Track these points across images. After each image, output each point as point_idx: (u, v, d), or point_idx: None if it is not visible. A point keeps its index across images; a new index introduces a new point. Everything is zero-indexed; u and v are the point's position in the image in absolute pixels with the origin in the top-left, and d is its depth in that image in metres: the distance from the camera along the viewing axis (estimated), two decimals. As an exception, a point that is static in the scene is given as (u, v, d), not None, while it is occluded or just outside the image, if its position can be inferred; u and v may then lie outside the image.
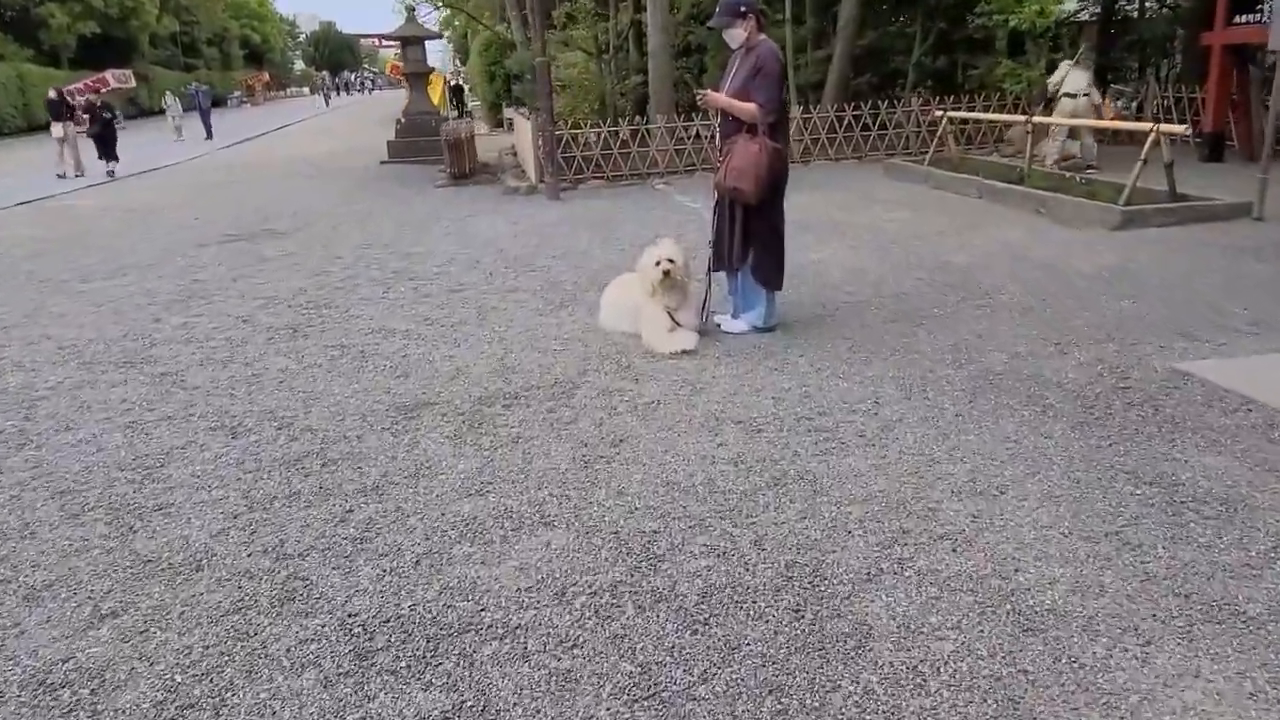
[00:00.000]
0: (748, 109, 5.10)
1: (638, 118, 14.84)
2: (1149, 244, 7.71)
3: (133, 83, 34.68)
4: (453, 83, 32.24)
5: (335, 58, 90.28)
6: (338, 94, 68.89)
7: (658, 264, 5.36)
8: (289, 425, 4.40)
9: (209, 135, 27.20)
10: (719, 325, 5.76)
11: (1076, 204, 9.03)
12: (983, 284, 6.57)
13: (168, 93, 29.54)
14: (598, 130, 13.59)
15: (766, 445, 3.93)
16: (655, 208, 11.09)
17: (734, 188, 5.13)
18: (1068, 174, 10.99)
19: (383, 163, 18.30)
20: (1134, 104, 15.50)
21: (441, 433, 4.22)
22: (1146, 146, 8.73)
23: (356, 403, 4.69)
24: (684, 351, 5.25)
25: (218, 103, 50.49)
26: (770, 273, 5.46)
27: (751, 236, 5.39)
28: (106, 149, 17.35)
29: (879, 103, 14.68)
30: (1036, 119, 11.11)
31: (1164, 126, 8.71)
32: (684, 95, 15.92)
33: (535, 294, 6.97)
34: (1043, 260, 7.24)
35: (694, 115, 14.31)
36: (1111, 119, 12.53)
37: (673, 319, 5.46)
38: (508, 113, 21.95)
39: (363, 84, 76.67)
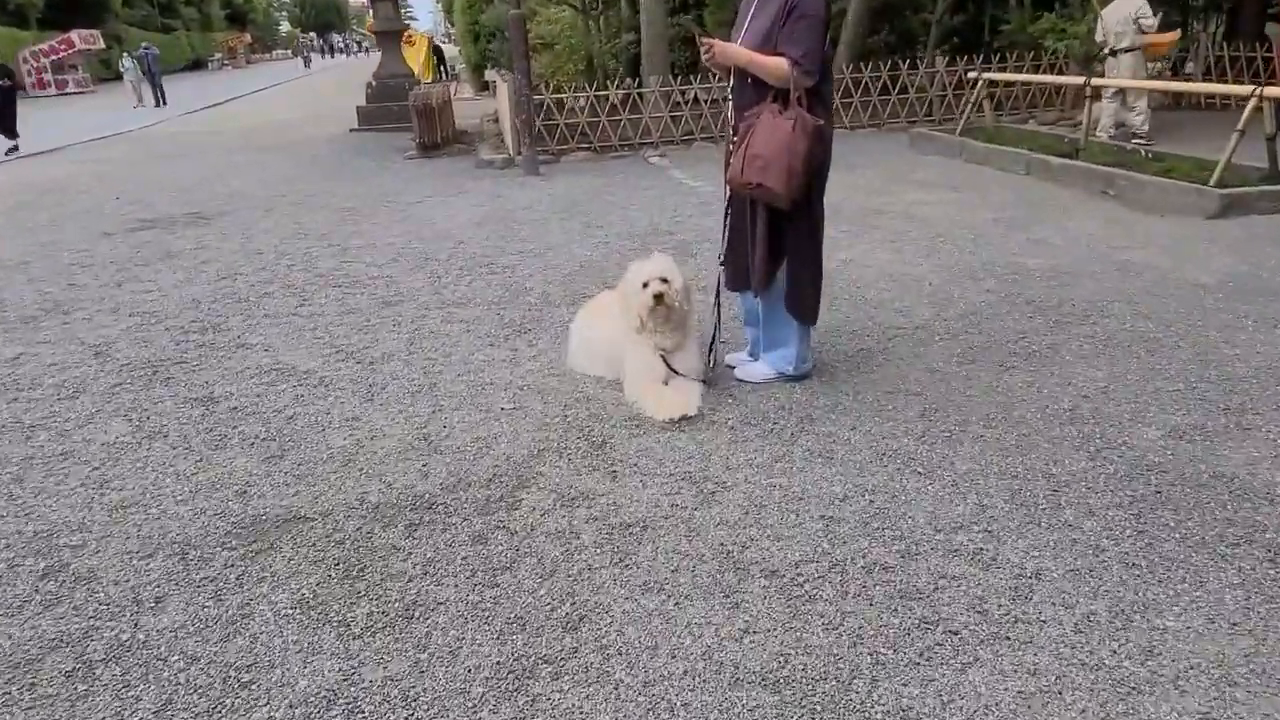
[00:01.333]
0: (775, 67, 3.43)
1: (628, 80, 13.06)
2: (1267, 239, 6.05)
3: (101, 44, 32.55)
4: (437, 43, 30.18)
5: (323, 18, 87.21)
6: (322, 56, 66.07)
7: (646, 286, 3.72)
8: (55, 572, 2.77)
9: (161, 102, 24.77)
10: (732, 370, 4.12)
11: (1157, 185, 7.35)
12: (1075, 300, 4.92)
13: (125, 55, 27.39)
14: (584, 94, 11.83)
15: (822, 632, 2.31)
16: (648, 186, 9.39)
17: (756, 185, 3.47)
18: (1129, 146, 9.28)
19: (351, 130, 16.53)
20: (1176, 63, 13.71)
21: (291, 594, 2.59)
22: (1246, 113, 7.03)
23: (185, 515, 3.06)
24: (683, 419, 3.62)
25: (198, 65, 48.23)
26: (807, 302, 3.82)
27: (782, 251, 3.74)
28: (3, 124, 14.69)
29: (899, 63, 12.91)
30: (1097, 80, 9.37)
31: (1269, 90, 7.01)
32: (681, 55, 14.12)
33: (490, 309, 5.31)
34: (1142, 263, 5.58)
35: (692, 77, 12.53)
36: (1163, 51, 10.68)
37: (668, 365, 3.82)
38: (489, 75, 20.09)
39: (346, 46, 73.39)
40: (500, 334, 4.84)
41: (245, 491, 3.20)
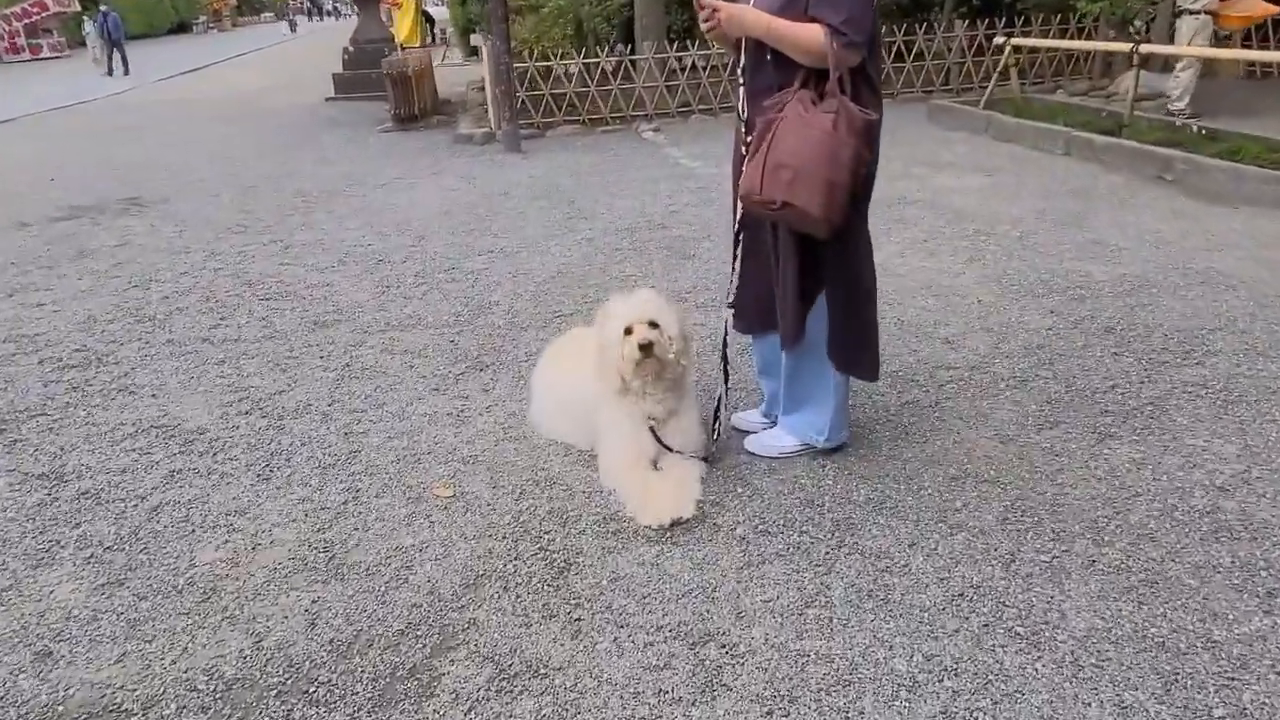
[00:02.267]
0: (806, 38, 2.40)
1: (620, 47, 11.89)
2: (1377, 242, 5.03)
3: (76, 6, 31.01)
4: (426, 8, 28.76)
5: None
6: (310, 19, 63.71)
7: (629, 333, 2.72)
8: None
9: (122, 70, 22.52)
10: (741, 434, 3.12)
11: (1226, 171, 6.30)
12: (1164, 327, 3.91)
13: (85, 20, 25.80)
14: (571, 62, 10.69)
15: None
16: (640, 165, 8.31)
17: (782, 205, 2.44)
18: (1178, 122, 8.20)
19: (327, 100, 15.37)
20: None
21: None
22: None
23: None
24: (676, 524, 2.62)
25: (183, 28, 46.52)
26: (860, 352, 2.82)
27: (816, 289, 2.73)
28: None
29: (914, 27, 11.75)
30: (1147, 47, 8.26)
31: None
32: (678, 18, 12.93)
33: (442, 334, 4.29)
34: (1230, 273, 4.55)
35: (690, 42, 11.38)
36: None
37: (658, 440, 2.82)
38: (475, 40, 18.84)
39: (335, 8, 70.59)
40: (450, 372, 3.83)
41: (49, 653, 2.21)
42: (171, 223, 6.84)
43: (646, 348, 2.66)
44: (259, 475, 3.04)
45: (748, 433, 3.13)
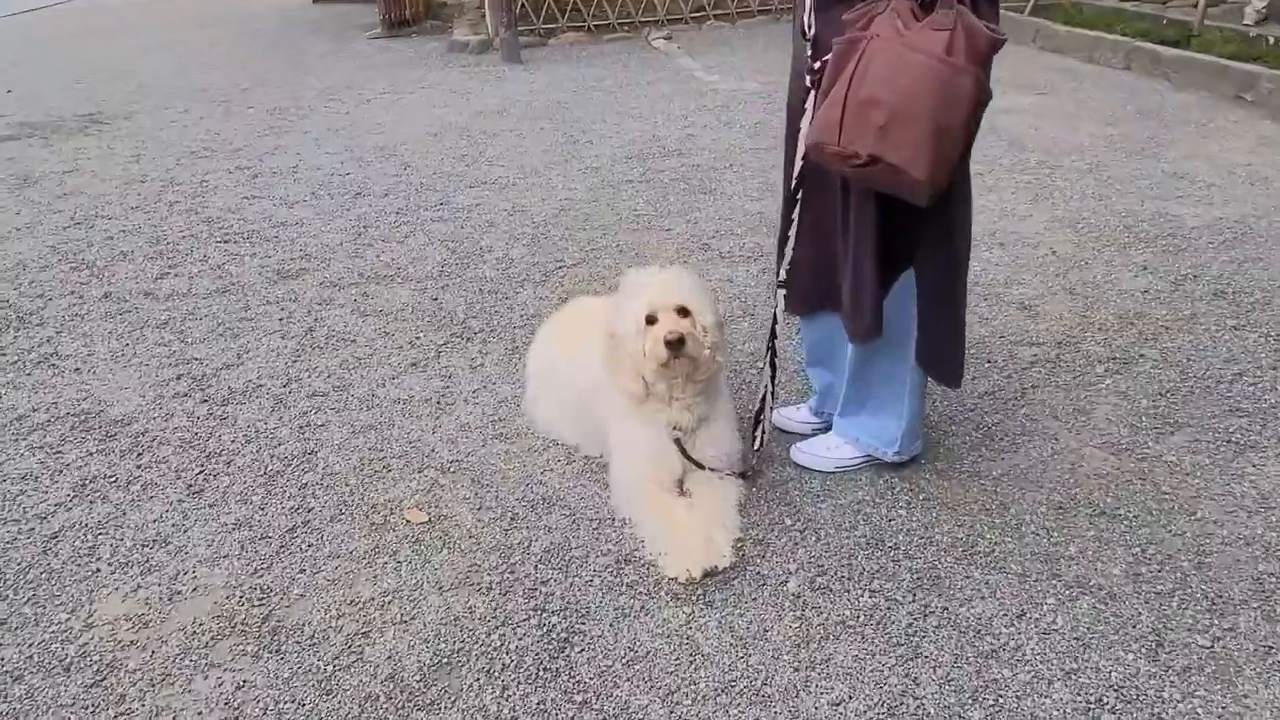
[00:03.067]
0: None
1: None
2: None
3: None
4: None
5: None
6: None
7: (652, 322, 2.07)
8: None
9: None
10: (785, 440, 2.49)
11: (1321, 91, 5.49)
12: (1288, 292, 3.25)
13: None
14: (574, -39, 9.67)
15: None
16: (652, 79, 7.48)
17: (870, 159, 1.76)
18: (1253, 31, 7.30)
19: (314, 1, 14.26)
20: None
21: None
22: None
23: None
24: (710, 575, 2.02)
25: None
26: (949, 347, 2.18)
27: (906, 265, 2.07)
28: None
29: None
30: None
31: None
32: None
33: (424, 288, 3.65)
34: (1354, 222, 3.85)
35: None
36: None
37: (685, 455, 2.20)
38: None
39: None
40: (431, 341, 3.19)
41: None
42: (130, 144, 6.10)
43: (676, 344, 2.02)
44: (189, 486, 2.44)
45: (792, 435, 2.51)
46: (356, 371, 3.01)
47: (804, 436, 2.51)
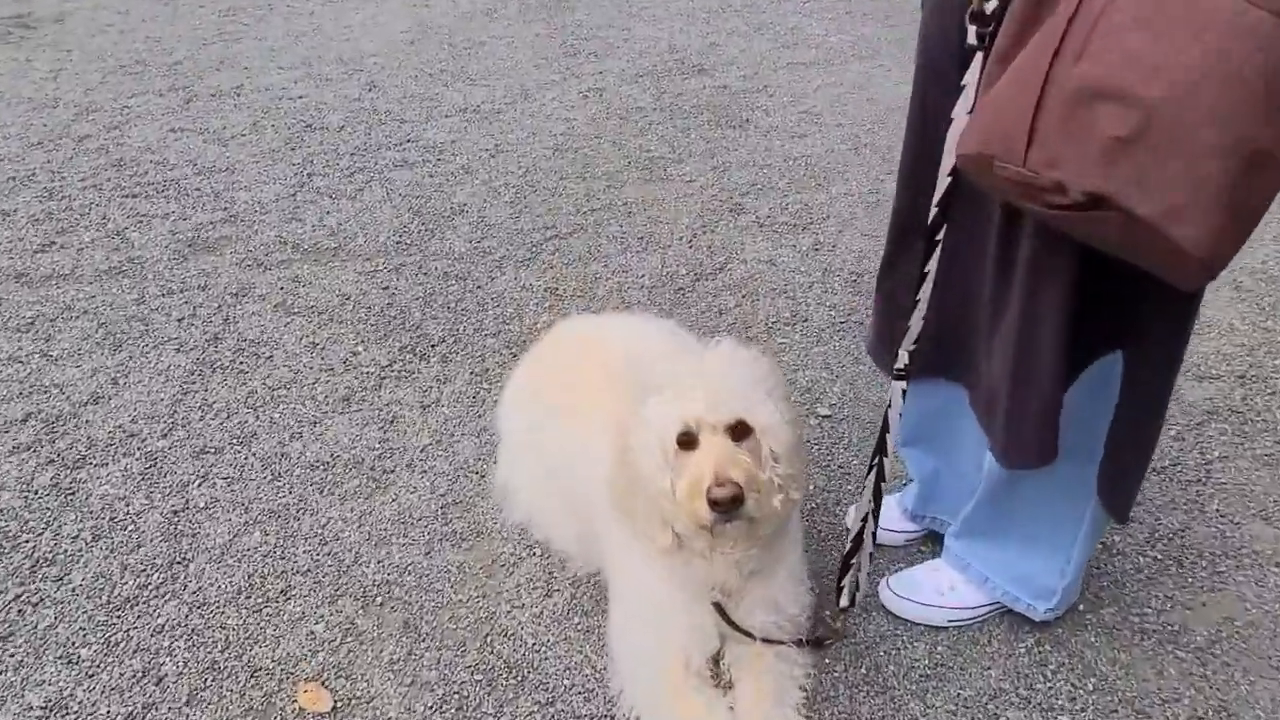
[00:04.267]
0: None
1: None
2: None
3: None
4: None
5: None
6: None
7: (688, 445, 1.21)
8: None
9: None
10: (880, 575, 1.65)
11: None
12: None
13: None
14: None
15: None
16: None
17: (1092, 200, 0.86)
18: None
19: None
20: None
21: None
22: None
23: None
24: None
25: None
26: (1138, 472, 1.31)
27: (1103, 352, 1.19)
28: None
29: None
30: None
31: None
32: None
33: (372, 269, 2.78)
34: None
35: None
36: None
37: (726, 618, 1.37)
38: None
39: None
40: (374, 360, 2.34)
41: None
42: (52, 56, 5.10)
43: (729, 503, 1.16)
44: (-4, 627, 1.64)
45: (886, 585, 1.67)
46: (266, 411, 2.18)
47: (893, 557, 1.68)
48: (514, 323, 2.50)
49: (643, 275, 2.71)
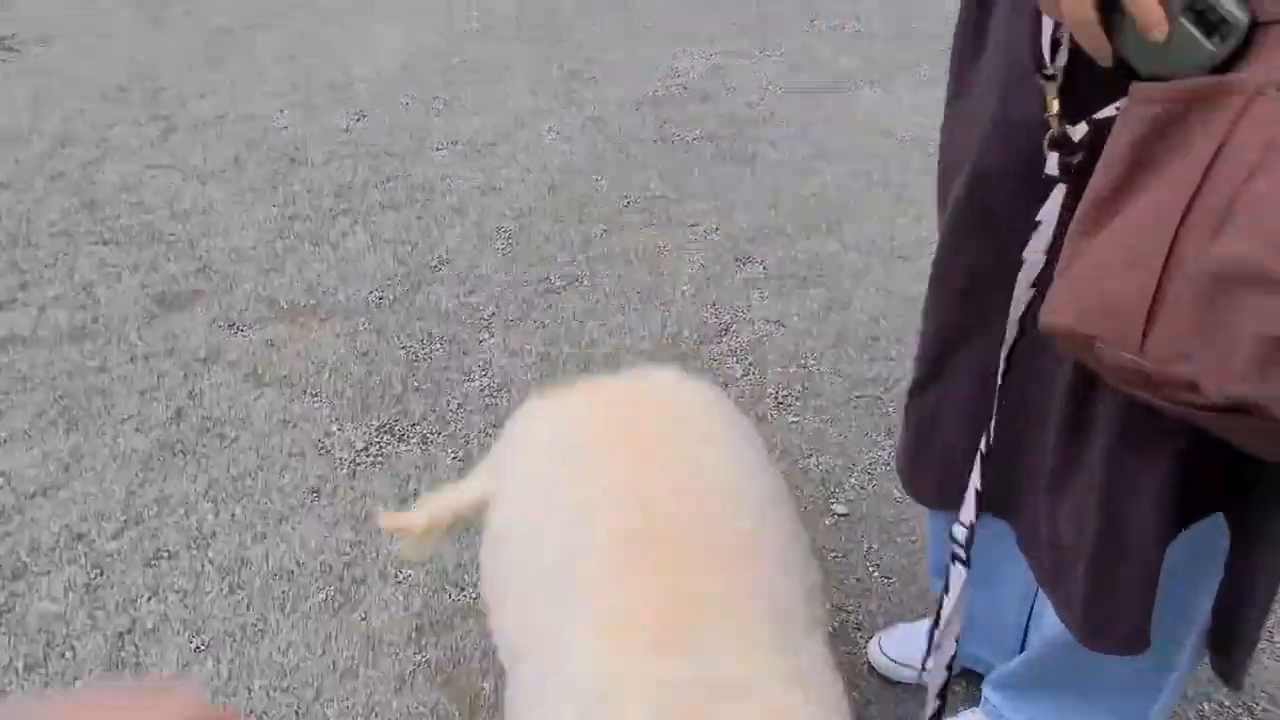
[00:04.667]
0: None
1: None
2: None
3: None
4: None
5: None
6: None
7: None
8: None
9: None
10: (894, 697, 1.45)
11: None
12: None
13: None
14: None
15: None
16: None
17: (1230, 406, 0.65)
18: None
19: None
20: None
21: None
22: None
23: None
24: None
25: None
26: (1255, 633, 1.09)
27: (1214, 509, 0.97)
28: None
29: None
30: None
31: None
32: None
33: (351, 329, 2.60)
34: None
35: None
36: None
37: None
38: None
39: None
40: (349, 438, 2.15)
41: None
42: (33, 81, 4.92)
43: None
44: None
45: (900, 688, 1.47)
46: (228, 505, 1.98)
47: (918, 693, 1.47)
48: (501, 395, 2.30)
49: (643, 336, 2.51)
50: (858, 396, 2.24)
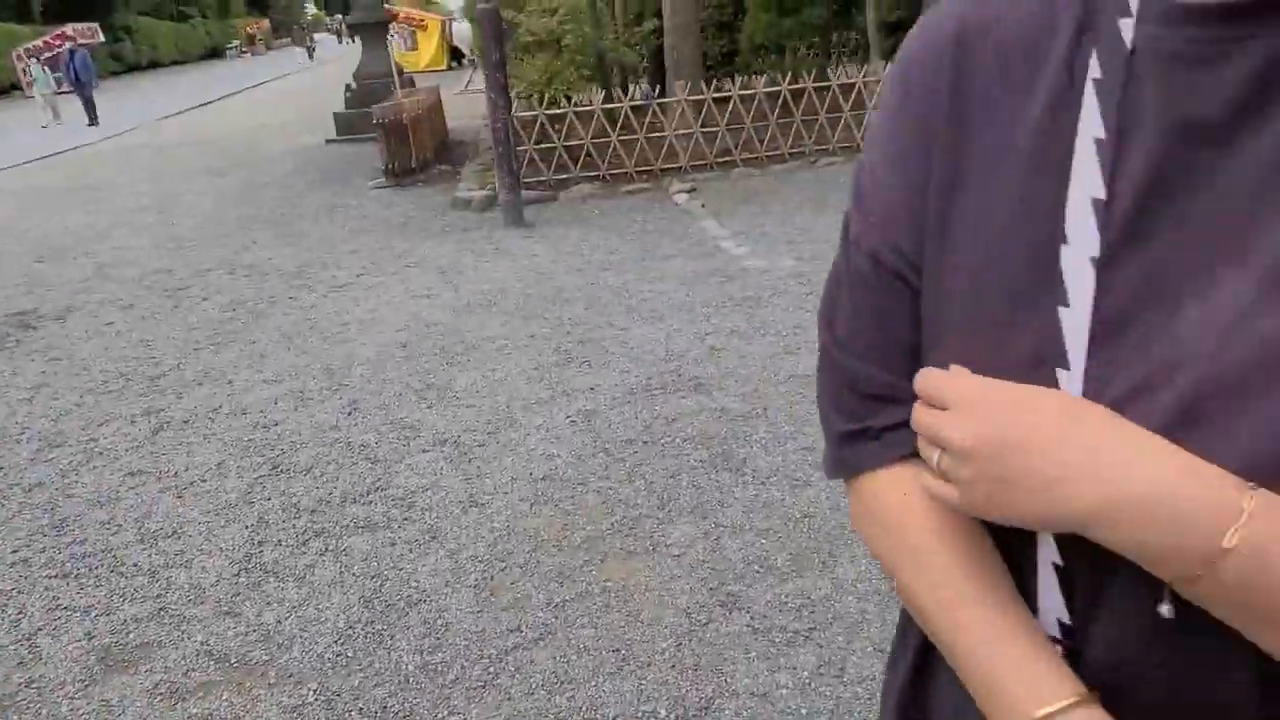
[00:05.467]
0: None
1: (647, 88, 9.89)
2: None
3: (101, 37, 29.64)
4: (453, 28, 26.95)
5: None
6: (340, 41, 59.39)
7: None
8: None
9: (91, 120, 18.07)
10: None
11: None
12: None
13: (32, 63, 22.30)
14: (585, 106, 8.68)
15: None
16: (670, 254, 6.33)
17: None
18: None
19: (328, 141, 13.65)
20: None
21: None
22: None
23: None
24: None
25: (215, 54, 45.51)
26: None
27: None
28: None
29: (825, 70, 9.14)
30: None
31: None
32: (715, 43, 10.93)
33: (299, 708, 2.34)
34: None
35: (731, 76, 9.33)
36: None
37: None
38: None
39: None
40: None
41: None
42: (38, 368, 5.00)
43: None
44: None
45: None
46: None
47: None
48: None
49: (616, 717, 2.25)
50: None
